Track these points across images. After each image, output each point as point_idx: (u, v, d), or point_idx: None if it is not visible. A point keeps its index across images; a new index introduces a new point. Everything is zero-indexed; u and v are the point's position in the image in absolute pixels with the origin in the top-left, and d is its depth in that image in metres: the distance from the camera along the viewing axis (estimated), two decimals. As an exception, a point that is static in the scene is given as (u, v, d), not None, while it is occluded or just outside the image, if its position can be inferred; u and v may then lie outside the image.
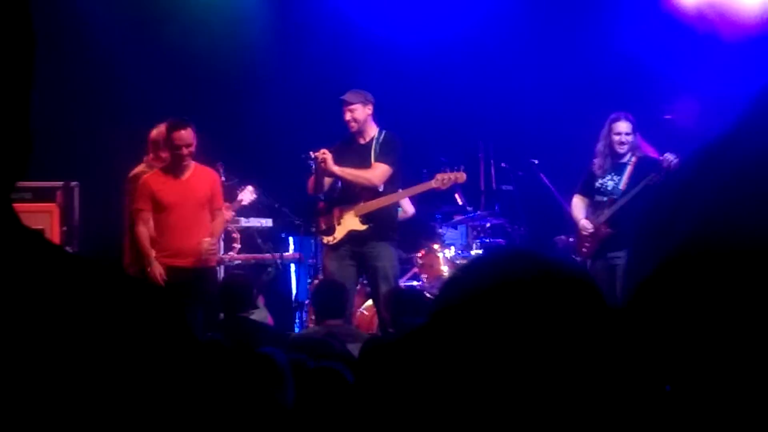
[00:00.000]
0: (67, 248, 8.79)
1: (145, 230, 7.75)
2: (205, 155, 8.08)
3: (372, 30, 10.72)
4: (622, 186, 8.09)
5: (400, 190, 8.44)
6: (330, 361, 3.65)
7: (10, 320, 1.01)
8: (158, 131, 8.09)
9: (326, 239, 8.14)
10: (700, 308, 1.19)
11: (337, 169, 8.02)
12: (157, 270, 7.64)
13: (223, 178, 8.78)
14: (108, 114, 9.65)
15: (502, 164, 10.16)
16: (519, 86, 10.66)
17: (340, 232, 8.09)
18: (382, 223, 8.18)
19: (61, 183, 9.10)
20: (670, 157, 7.82)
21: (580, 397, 1.20)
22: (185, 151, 7.71)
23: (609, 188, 8.15)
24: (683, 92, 9.46)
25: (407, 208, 9.75)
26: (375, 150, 8.12)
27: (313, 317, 7.90)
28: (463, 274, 1.32)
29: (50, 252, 1.08)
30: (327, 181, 8.11)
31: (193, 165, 7.87)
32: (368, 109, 8.10)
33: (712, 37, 10.06)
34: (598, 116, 10.22)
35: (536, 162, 9.66)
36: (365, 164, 8.07)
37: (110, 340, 1.03)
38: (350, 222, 8.09)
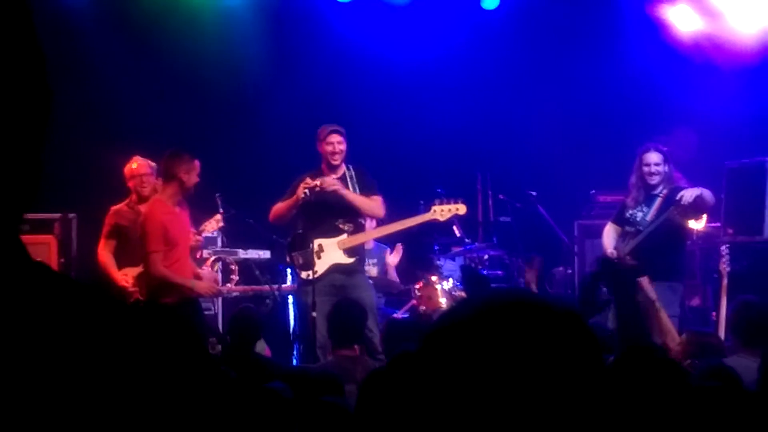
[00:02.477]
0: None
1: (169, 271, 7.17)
2: (203, 187, 7.99)
3: (370, 59, 10.75)
4: (649, 217, 7.98)
5: (396, 222, 8.29)
6: (332, 396, 3.64)
7: (20, 350, 0.99)
8: (129, 168, 8.27)
9: (305, 274, 7.85)
10: None
11: (348, 193, 7.86)
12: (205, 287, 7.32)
13: (221, 210, 8.76)
14: (106, 145, 9.63)
15: (500, 196, 10.16)
16: (517, 117, 10.70)
17: (321, 266, 7.86)
18: (363, 255, 8.17)
19: (59, 215, 9.08)
20: (686, 193, 7.74)
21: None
22: (197, 180, 7.29)
23: (637, 219, 8.05)
24: (680, 123, 9.49)
25: (389, 260, 9.73)
26: (353, 183, 7.94)
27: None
28: (458, 305, 1.33)
29: (59, 282, 1.08)
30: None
31: None
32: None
33: (709, 68, 10.11)
34: (595, 148, 10.29)
35: (534, 194, 9.68)
36: (344, 198, 7.84)
37: (125, 370, 1.01)
38: (334, 255, 7.88)
